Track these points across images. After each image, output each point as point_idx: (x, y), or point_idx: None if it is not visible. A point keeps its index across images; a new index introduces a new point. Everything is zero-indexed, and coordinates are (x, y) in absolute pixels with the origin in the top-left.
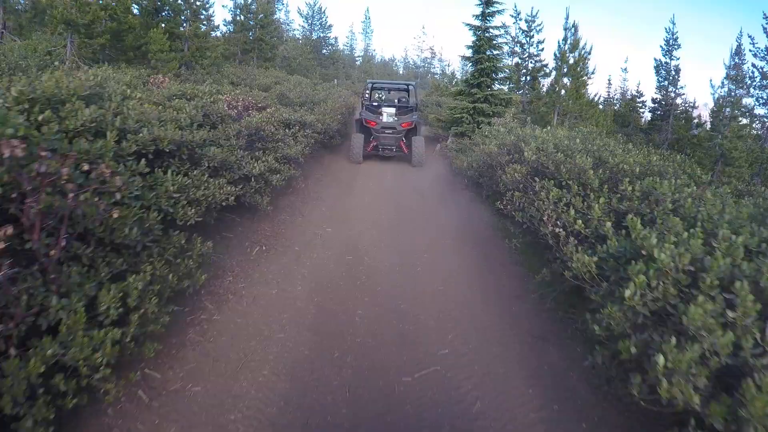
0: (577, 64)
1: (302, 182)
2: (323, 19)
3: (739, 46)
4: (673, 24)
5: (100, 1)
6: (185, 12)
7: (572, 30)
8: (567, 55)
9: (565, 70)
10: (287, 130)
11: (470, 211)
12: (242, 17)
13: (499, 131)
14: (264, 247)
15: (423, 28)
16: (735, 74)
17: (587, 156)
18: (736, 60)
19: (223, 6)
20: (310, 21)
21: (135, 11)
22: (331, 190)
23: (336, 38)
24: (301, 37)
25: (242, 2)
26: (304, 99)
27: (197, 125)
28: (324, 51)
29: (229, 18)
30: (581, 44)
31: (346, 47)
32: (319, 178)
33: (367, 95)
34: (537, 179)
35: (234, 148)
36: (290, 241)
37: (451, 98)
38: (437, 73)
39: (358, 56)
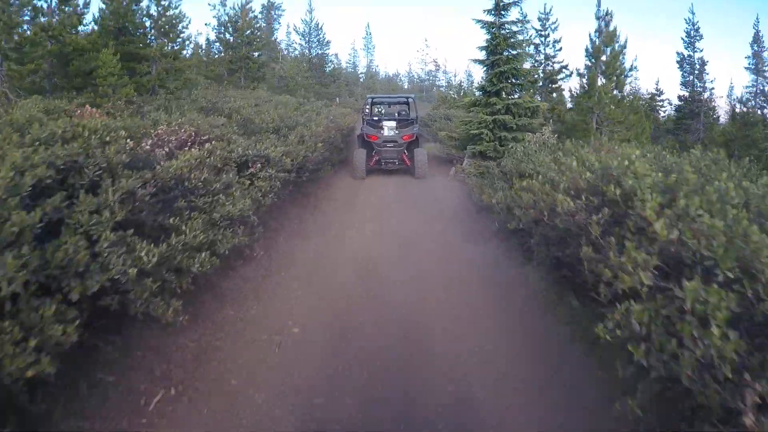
0: (615, 59)
1: (267, 243)
2: (321, 36)
3: (757, 33)
4: (693, 14)
5: (43, 20)
6: (151, 30)
7: (605, 19)
8: (601, 50)
9: (602, 68)
10: (237, 174)
11: (516, 286)
12: (226, 34)
13: (543, 159)
14: (174, 391)
15: (426, 40)
16: (756, 64)
17: None
18: (755, 48)
19: (206, 24)
20: (307, 38)
21: (88, 30)
22: (310, 245)
23: (336, 55)
24: (299, 55)
25: (226, 19)
26: (278, 124)
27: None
28: (326, 68)
29: (214, 36)
30: (617, 36)
31: (348, 65)
32: (295, 230)
33: (367, 110)
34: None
35: (105, 227)
36: (227, 365)
37: (463, 111)
38: (442, 86)
39: (362, 73)
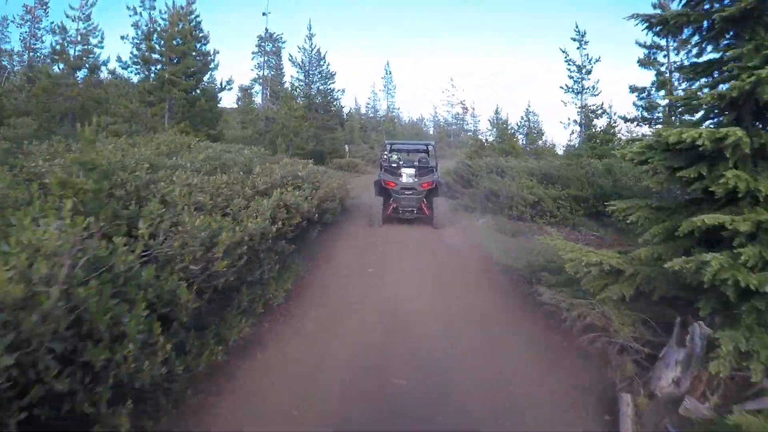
0: None
1: None
2: (324, 68)
3: None
4: None
5: None
6: None
7: None
8: None
9: None
10: None
11: None
12: (145, 48)
13: None
14: None
15: (451, 80)
16: None
17: None
18: None
19: (122, 37)
20: (305, 69)
21: None
22: None
23: (343, 90)
24: (297, 88)
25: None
26: None
27: None
28: (330, 107)
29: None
30: None
31: (369, 108)
32: None
33: (385, 156)
34: None
35: None
36: None
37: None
38: (471, 130)
39: (381, 117)
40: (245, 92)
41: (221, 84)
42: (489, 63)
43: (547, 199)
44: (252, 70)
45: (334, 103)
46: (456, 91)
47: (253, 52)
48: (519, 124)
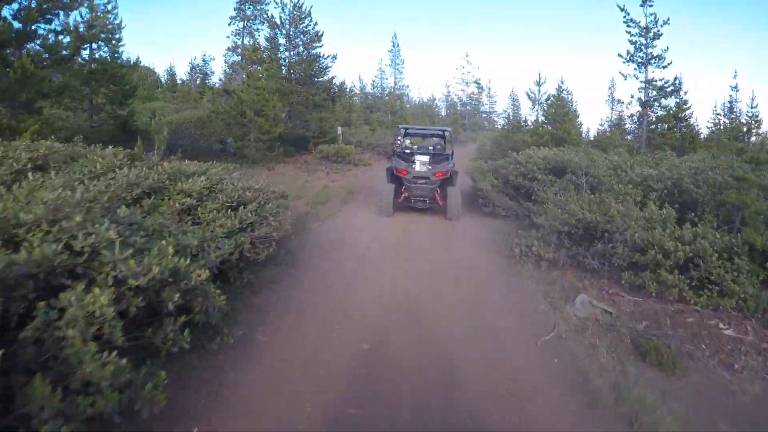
0: None
1: None
2: (307, 25)
3: None
4: None
5: None
6: None
7: None
8: None
9: None
10: None
11: None
12: None
13: None
14: None
15: (467, 56)
16: None
17: None
18: None
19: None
20: (286, 30)
21: None
22: None
23: (334, 56)
24: (268, 50)
25: None
26: None
27: None
28: (316, 76)
29: None
30: None
31: (376, 87)
32: None
33: (398, 141)
34: None
35: None
36: None
37: None
38: (488, 112)
39: (387, 94)
40: (195, 68)
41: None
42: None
43: (711, 256)
44: (228, 37)
45: (322, 73)
46: (471, 68)
47: (231, 17)
48: (549, 103)
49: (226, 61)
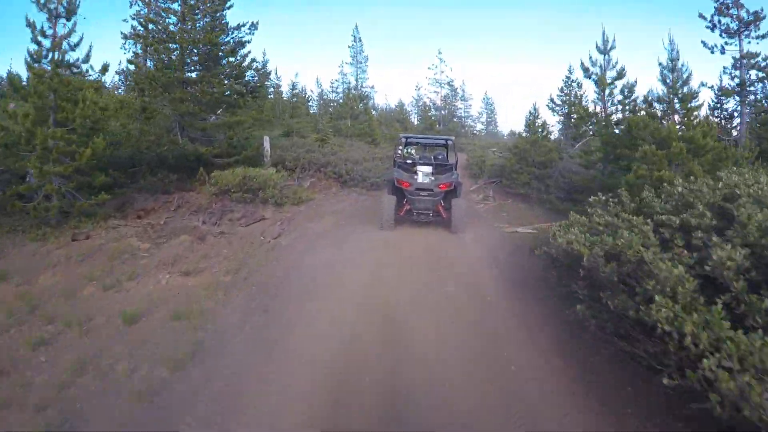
0: None
1: None
2: None
3: None
4: None
5: None
6: None
7: None
8: None
9: None
10: None
11: None
12: None
13: None
14: None
15: (439, 53)
16: None
17: None
18: None
19: None
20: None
21: None
22: None
23: (253, 27)
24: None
25: None
26: None
27: None
28: (219, 47)
29: None
30: None
31: (332, 91)
32: None
33: (399, 151)
34: None
35: None
36: None
37: None
38: (463, 116)
39: (340, 96)
40: None
41: None
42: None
43: None
44: (126, 21)
45: (234, 53)
46: (445, 68)
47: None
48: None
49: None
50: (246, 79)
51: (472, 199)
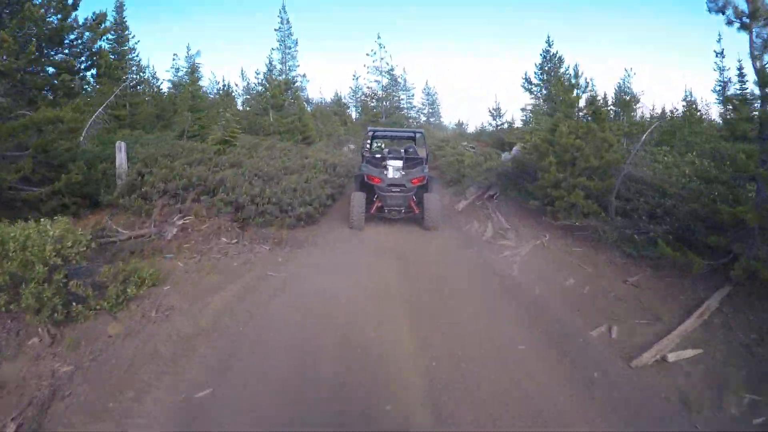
0: None
1: None
2: None
3: None
4: None
5: None
6: None
7: None
8: None
9: None
10: None
11: None
12: None
13: None
14: None
15: (379, 38)
16: None
17: None
18: None
19: None
20: None
21: None
22: None
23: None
24: None
25: None
26: None
27: None
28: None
29: None
30: None
31: (259, 83)
32: None
33: (367, 146)
34: None
35: None
36: None
37: None
38: (406, 108)
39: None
40: None
41: None
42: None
43: None
44: None
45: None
46: (385, 54)
47: None
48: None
49: None
50: (80, 49)
51: (473, 234)
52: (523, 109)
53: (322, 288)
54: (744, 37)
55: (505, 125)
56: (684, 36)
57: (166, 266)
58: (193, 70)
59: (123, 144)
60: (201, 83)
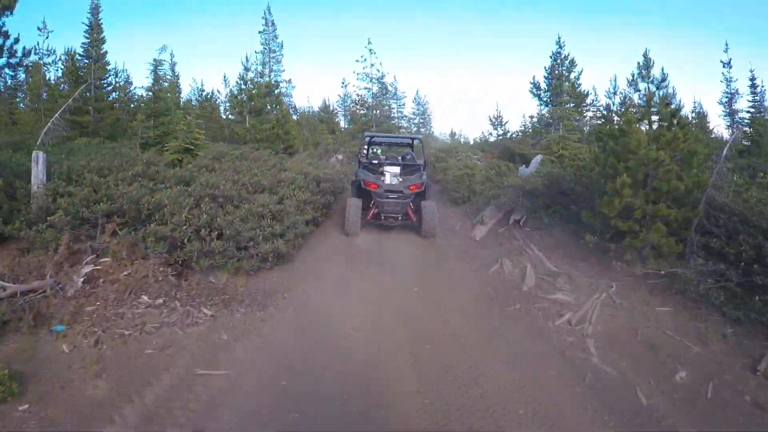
0: None
1: None
2: None
3: None
4: None
5: None
6: None
7: None
8: None
9: None
10: None
11: None
12: None
13: None
14: None
15: (369, 43)
16: None
17: None
18: None
19: None
20: None
21: None
22: None
23: None
24: None
25: None
26: None
27: None
28: None
29: None
30: None
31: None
32: None
33: (364, 152)
34: None
35: None
36: None
37: None
38: (396, 117)
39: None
40: None
41: None
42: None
43: None
44: None
45: None
46: (375, 61)
47: None
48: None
49: None
50: None
51: (506, 279)
52: (532, 117)
53: (300, 407)
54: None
55: (511, 134)
56: (682, 48)
57: (45, 351)
58: (156, 67)
59: (41, 155)
60: (184, 90)
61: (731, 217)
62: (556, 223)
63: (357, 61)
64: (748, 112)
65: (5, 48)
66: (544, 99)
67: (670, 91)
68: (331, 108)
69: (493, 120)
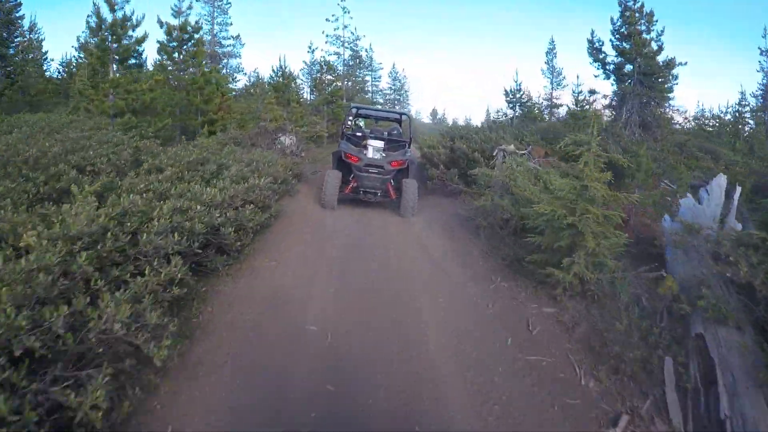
0: None
1: None
2: None
3: None
4: None
5: None
6: None
7: None
8: None
9: None
10: None
11: None
12: None
13: None
14: None
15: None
16: None
17: None
18: None
19: None
20: None
21: None
22: None
23: None
24: None
25: None
26: None
27: None
28: None
29: None
30: None
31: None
32: None
33: (349, 123)
34: None
35: None
36: None
37: None
38: (369, 91)
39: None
40: None
41: None
42: None
43: None
44: None
45: None
46: (349, 21)
47: None
48: None
49: None
50: None
51: None
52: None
53: None
54: None
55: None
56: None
57: None
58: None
59: None
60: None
61: None
62: None
63: (327, 20)
64: None
65: None
66: (611, 62)
67: None
68: (289, 72)
69: (510, 94)
